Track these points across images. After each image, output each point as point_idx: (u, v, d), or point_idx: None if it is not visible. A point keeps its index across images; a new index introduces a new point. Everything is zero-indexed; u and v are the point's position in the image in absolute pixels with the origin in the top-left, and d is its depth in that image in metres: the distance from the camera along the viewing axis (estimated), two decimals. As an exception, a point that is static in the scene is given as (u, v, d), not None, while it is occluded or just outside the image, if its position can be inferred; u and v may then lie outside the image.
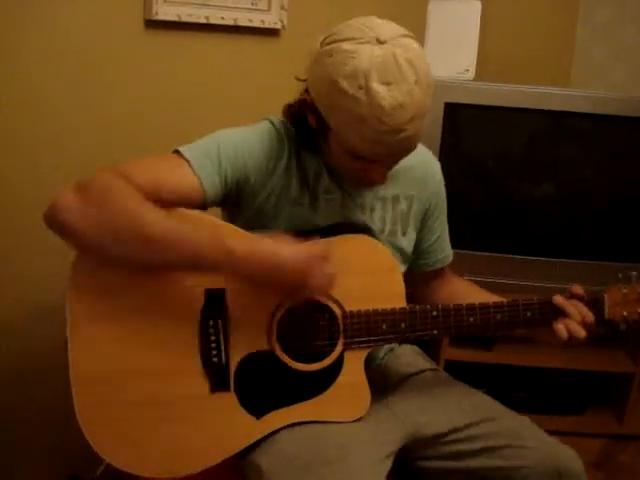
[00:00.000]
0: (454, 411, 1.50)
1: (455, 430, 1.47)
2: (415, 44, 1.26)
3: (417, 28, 2.46)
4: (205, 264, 1.27)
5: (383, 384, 1.57)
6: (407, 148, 1.32)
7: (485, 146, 2.43)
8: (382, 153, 1.30)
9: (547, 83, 2.52)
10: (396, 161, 1.37)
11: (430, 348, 1.98)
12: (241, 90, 2.23)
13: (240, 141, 1.39)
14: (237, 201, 1.42)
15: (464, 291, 1.65)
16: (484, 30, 2.53)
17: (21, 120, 1.85)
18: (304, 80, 1.36)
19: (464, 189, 2.36)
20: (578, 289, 1.49)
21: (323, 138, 1.37)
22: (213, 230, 1.28)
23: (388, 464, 1.40)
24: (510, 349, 2.57)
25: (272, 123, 1.44)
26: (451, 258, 1.71)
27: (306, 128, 1.39)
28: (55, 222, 1.23)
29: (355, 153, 1.31)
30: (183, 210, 1.31)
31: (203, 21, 2.08)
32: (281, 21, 2.23)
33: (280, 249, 1.27)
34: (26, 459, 2.02)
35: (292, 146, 1.43)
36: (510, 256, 2.42)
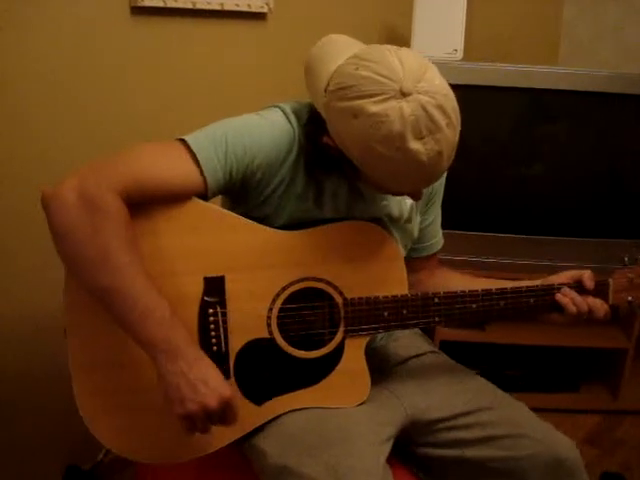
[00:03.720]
0: (454, 397, 1.49)
1: (454, 416, 1.46)
2: (437, 79, 1.21)
3: (405, 10, 2.48)
4: (138, 329, 1.22)
5: (382, 366, 1.57)
6: (440, 176, 1.32)
7: (475, 126, 2.42)
8: (420, 189, 1.34)
9: (535, 62, 2.51)
10: None
11: (425, 330, 1.98)
12: (229, 75, 2.20)
13: (249, 134, 1.33)
14: (241, 192, 1.37)
15: (454, 284, 1.57)
16: (471, 10, 2.53)
17: (9, 108, 1.83)
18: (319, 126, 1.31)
19: (455, 170, 2.34)
20: (589, 282, 1.46)
21: (355, 171, 1.32)
22: (169, 311, 1.24)
23: (388, 447, 1.40)
24: (502, 328, 2.59)
25: (284, 112, 1.38)
26: (440, 246, 1.68)
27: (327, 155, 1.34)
28: (48, 209, 1.21)
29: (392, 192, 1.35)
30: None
31: (189, 6, 2.05)
32: (267, 5, 2.21)
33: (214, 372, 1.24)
34: (25, 449, 2.01)
35: (302, 138, 1.37)
36: (503, 235, 2.43)
